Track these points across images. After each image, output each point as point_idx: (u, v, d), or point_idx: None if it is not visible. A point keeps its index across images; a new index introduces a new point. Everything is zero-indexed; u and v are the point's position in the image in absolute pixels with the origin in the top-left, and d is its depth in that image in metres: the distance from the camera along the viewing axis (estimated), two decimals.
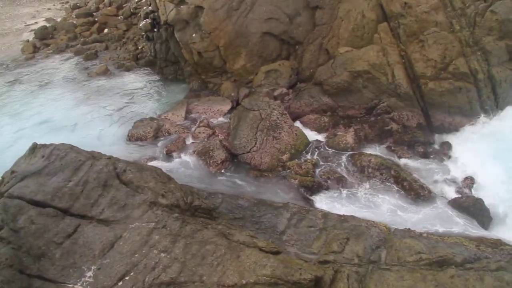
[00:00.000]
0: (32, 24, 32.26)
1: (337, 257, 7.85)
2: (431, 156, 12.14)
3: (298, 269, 6.94)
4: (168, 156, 12.51)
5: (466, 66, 12.45)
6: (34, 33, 28.58)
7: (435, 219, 9.39)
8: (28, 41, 27.88)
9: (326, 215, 9.06)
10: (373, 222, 8.95)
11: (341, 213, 9.33)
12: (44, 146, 8.79)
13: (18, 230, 7.07)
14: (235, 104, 15.40)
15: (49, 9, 37.15)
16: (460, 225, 9.15)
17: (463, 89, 12.47)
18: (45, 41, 27.18)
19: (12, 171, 8.31)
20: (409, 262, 7.57)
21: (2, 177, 8.43)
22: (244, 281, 6.73)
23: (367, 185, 10.87)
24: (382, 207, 10.06)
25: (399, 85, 13.18)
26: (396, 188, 10.56)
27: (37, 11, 36.81)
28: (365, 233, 8.43)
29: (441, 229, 8.98)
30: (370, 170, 11.28)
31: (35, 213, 7.38)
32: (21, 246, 6.87)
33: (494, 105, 12.48)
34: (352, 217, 9.04)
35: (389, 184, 10.75)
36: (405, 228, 8.73)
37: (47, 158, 8.38)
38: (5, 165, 9.06)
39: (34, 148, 8.81)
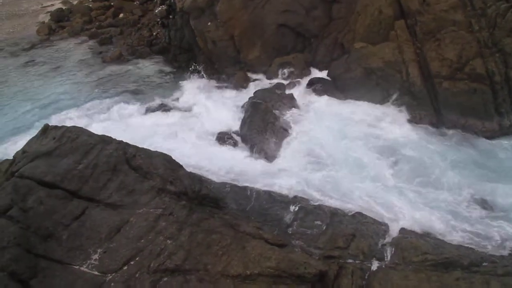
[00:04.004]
0: (48, 6, 32.37)
1: (342, 253, 7.82)
2: None
3: (303, 263, 6.95)
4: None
5: (483, 67, 12.24)
6: (50, 15, 28.68)
7: None
8: (43, 22, 27.99)
9: (333, 210, 9.02)
10: (380, 219, 8.92)
11: None
12: (55, 128, 8.84)
13: (27, 210, 7.13)
14: (247, 94, 15.34)
15: None
16: None
17: (479, 91, 12.28)
18: (60, 23, 27.26)
19: (23, 151, 8.38)
20: (415, 262, 7.51)
21: (14, 157, 8.52)
22: (248, 272, 6.75)
23: None
24: None
25: (413, 84, 13.04)
26: None
27: None
28: (371, 230, 8.40)
29: None
30: None
31: (44, 194, 7.44)
32: (30, 226, 6.94)
33: (510, 108, 12.28)
34: (360, 213, 9.00)
35: None
36: (412, 227, 8.67)
37: (58, 140, 8.42)
38: (16, 146, 9.15)
39: (46, 129, 8.85)
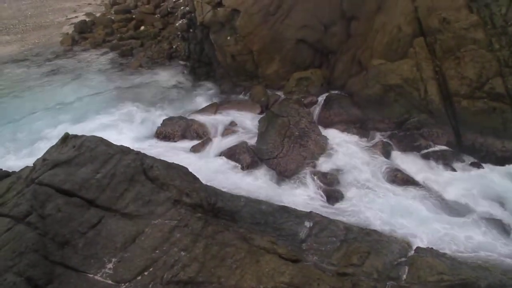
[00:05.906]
0: (72, 17, 33.15)
1: (356, 270, 7.73)
2: None
3: (317, 279, 6.90)
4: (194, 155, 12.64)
5: (503, 86, 12.11)
6: (74, 27, 29.33)
7: None
8: (67, 34, 28.64)
9: (348, 227, 8.96)
10: (396, 238, 8.82)
11: None
12: (75, 137, 8.98)
13: (45, 217, 7.23)
14: (265, 109, 15.44)
15: (89, 4, 38.13)
16: None
17: (498, 110, 12.15)
18: (83, 34, 27.83)
19: (43, 159, 8.52)
20: (430, 282, 7.39)
21: (34, 164, 8.66)
22: (261, 287, 6.71)
23: None
24: None
25: (431, 101, 12.96)
26: None
27: (78, 5, 37.81)
28: (386, 248, 8.31)
29: None
30: None
31: (62, 201, 7.54)
32: (47, 233, 7.03)
33: None
34: (375, 231, 8.93)
35: None
36: (428, 247, 8.56)
37: (77, 149, 8.55)
38: (37, 153, 9.30)
39: (66, 138, 9.00)
